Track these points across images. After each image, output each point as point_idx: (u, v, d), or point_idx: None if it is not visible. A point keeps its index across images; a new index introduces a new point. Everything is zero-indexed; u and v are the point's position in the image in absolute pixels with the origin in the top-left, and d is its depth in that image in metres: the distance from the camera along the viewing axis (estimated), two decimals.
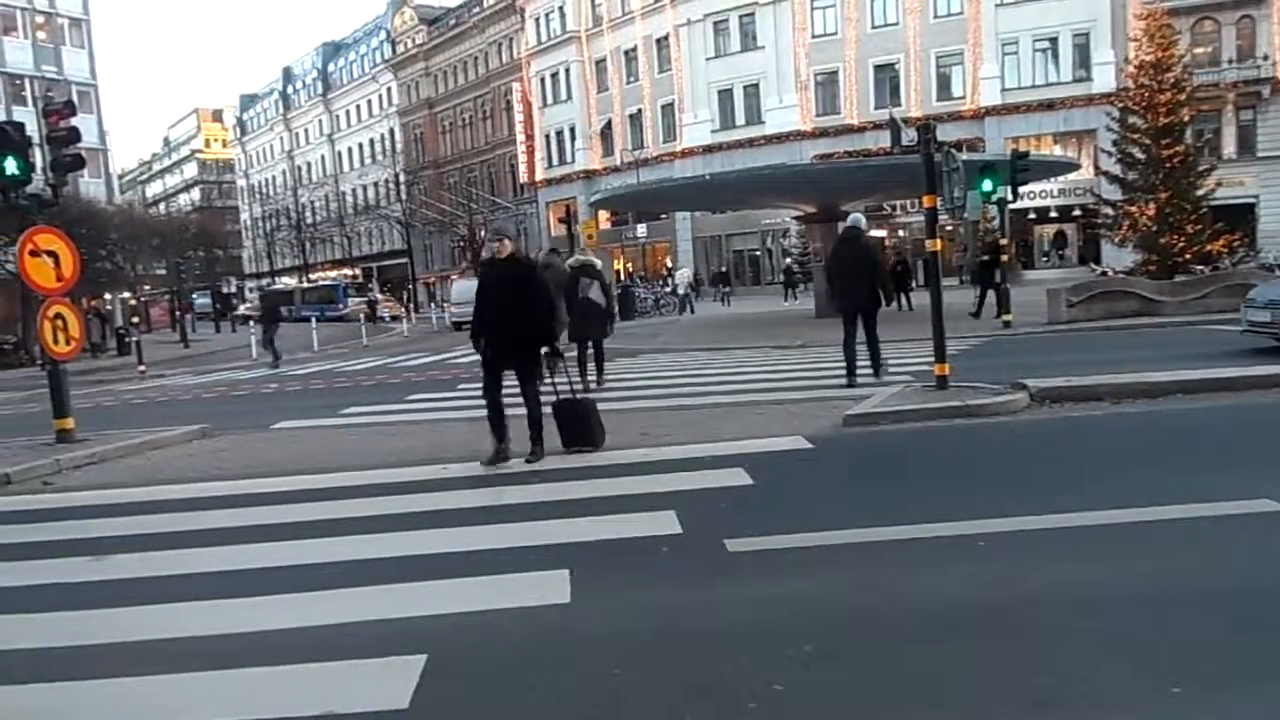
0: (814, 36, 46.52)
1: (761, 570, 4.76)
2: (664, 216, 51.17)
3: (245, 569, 5.25)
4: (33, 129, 11.21)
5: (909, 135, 21.15)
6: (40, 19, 49.21)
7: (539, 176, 59.96)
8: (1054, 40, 42.40)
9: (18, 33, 48.33)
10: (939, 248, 10.49)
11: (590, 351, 13.15)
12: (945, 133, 16.76)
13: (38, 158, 10.89)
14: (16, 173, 10.23)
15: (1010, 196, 19.53)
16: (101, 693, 3.73)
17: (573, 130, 57.73)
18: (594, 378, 13.04)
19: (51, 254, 10.31)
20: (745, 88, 48.72)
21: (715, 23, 49.57)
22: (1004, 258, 21.07)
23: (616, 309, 14.96)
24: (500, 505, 6.34)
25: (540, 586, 4.59)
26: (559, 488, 6.76)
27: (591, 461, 7.66)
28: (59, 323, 10.35)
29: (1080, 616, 3.86)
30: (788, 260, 41.91)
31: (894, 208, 44.10)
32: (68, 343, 10.48)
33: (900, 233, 44.93)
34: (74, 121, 11.47)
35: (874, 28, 45.22)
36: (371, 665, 3.80)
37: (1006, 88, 42.77)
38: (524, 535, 5.53)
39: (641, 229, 53.87)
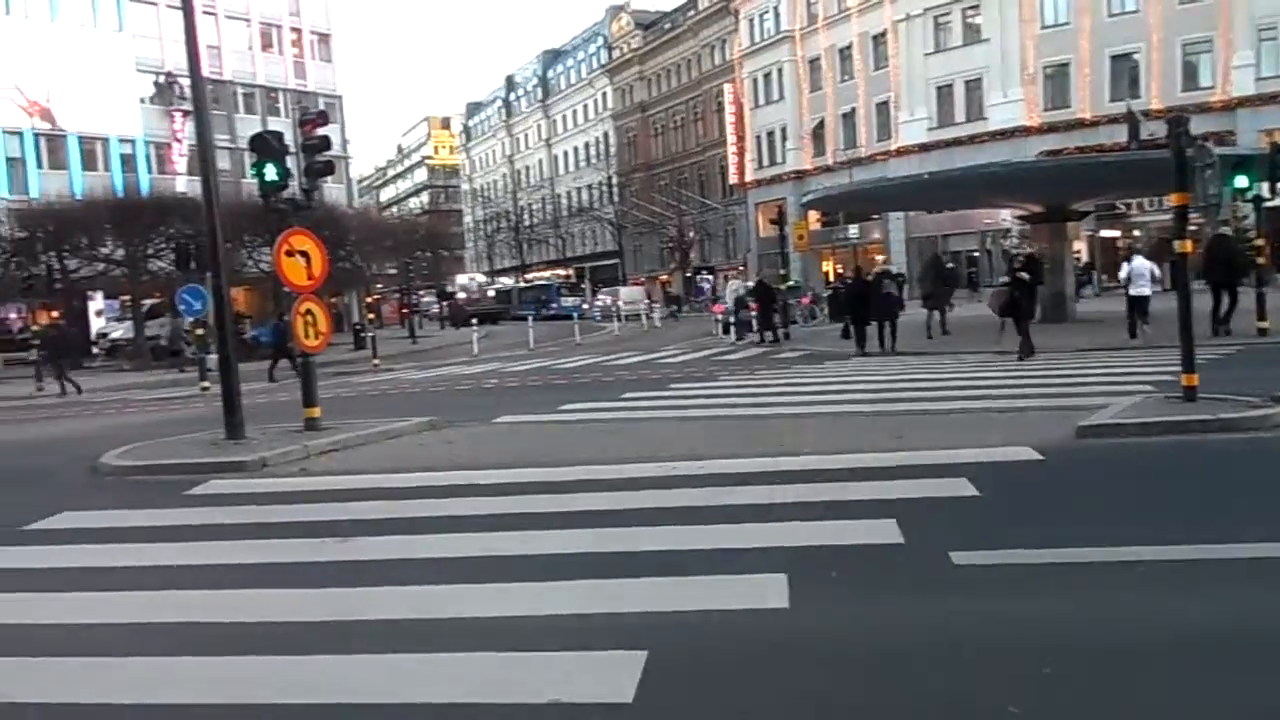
0: (1043, 27, 44.15)
1: (991, 585, 4.56)
2: (876, 217, 49.94)
3: (474, 556, 5.50)
4: (287, 138, 12.07)
5: (1148, 129, 19.76)
6: (292, 36, 53.90)
7: (748, 178, 59.78)
8: None
9: (274, 49, 53.18)
10: (1189, 249, 9.71)
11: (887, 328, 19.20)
12: (1191, 126, 15.33)
13: (292, 165, 11.73)
14: (276, 178, 11.10)
15: (1268, 193, 17.88)
16: (354, 666, 3.99)
17: (784, 131, 57.19)
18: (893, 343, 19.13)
19: (303, 254, 11.09)
20: (967, 83, 46.76)
21: (936, 17, 47.89)
22: (1260, 260, 19.33)
23: (905, 299, 21.51)
24: (718, 506, 6.35)
25: (758, 590, 4.57)
26: (777, 491, 6.70)
27: (812, 466, 7.55)
28: (309, 318, 11.12)
29: None
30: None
31: (1128, 206, 41.29)
32: (317, 337, 11.27)
33: (1135, 232, 42.00)
34: (323, 130, 12.32)
35: (1111, 15, 42.44)
36: (595, 658, 3.90)
37: (1262, 76, 39.15)
38: (742, 537, 5.53)
39: (853, 230, 52.80)
